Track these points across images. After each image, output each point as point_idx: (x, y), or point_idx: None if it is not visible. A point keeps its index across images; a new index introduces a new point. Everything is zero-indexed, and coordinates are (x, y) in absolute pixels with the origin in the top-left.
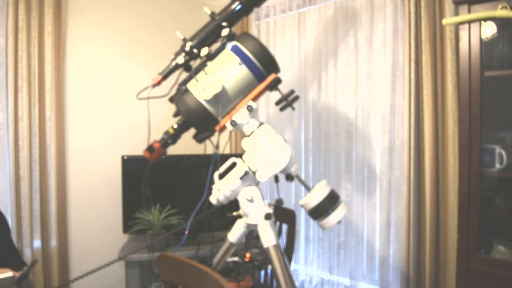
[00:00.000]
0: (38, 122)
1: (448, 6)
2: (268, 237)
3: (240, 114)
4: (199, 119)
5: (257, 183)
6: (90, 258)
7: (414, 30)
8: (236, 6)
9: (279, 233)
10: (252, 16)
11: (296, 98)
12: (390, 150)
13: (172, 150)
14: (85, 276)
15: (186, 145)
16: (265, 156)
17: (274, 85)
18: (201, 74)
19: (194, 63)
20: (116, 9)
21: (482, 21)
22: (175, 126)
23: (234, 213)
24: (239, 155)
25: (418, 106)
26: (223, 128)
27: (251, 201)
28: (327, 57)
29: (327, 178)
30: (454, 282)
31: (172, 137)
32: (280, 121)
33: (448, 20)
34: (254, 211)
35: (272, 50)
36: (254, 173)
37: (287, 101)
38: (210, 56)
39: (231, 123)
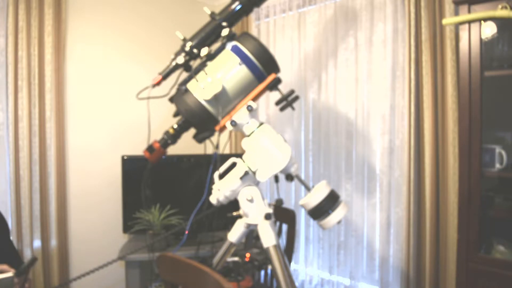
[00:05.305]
0: (38, 122)
1: (448, 6)
2: (268, 237)
3: (240, 114)
4: (199, 119)
5: (257, 183)
6: (90, 258)
7: (414, 30)
8: (236, 6)
9: (279, 233)
10: (252, 16)
11: (296, 98)
12: (390, 150)
13: (172, 150)
14: (85, 276)
15: (186, 145)
16: (265, 156)
17: (274, 85)
18: (201, 74)
19: (194, 63)
20: (116, 9)
21: (482, 21)
22: (175, 126)
23: (234, 213)
24: (239, 155)
25: (418, 106)
26: (223, 128)
27: (251, 201)
28: (327, 57)
29: (327, 178)
30: (454, 282)
31: (172, 137)
32: (280, 121)
33: (448, 20)
34: (254, 211)
35: (272, 50)
36: (254, 173)
37: (287, 101)
38: (210, 56)
39: (231, 123)
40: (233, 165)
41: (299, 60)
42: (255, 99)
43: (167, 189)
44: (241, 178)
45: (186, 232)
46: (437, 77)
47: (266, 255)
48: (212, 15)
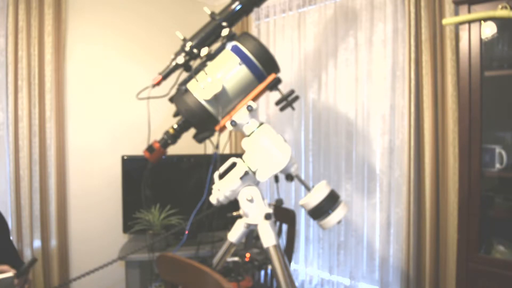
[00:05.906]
0: (38, 122)
1: (448, 6)
2: (268, 237)
3: (240, 114)
4: (199, 119)
5: (257, 183)
6: (90, 258)
7: (414, 30)
8: (236, 6)
9: (279, 233)
10: (252, 16)
11: (296, 98)
12: (390, 150)
13: (172, 150)
14: (85, 276)
15: (186, 145)
16: (265, 156)
17: (274, 85)
18: (201, 74)
19: (194, 63)
20: (116, 9)
21: (482, 21)
22: (175, 126)
23: (234, 213)
24: (239, 155)
25: (418, 106)
26: (223, 128)
27: (251, 201)
28: (327, 57)
29: (327, 178)
30: (454, 282)
31: (172, 137)
32: (280, 121)
33: (448, 20)
34: (254, 211)
35: (272, 50)
36: (254, 173)
37: (287, 101)
38: (210, 56)
39: (231, 123)
40: (233, 165)
41: (299, 60)
42: (255, 99)
43: (167, 189)
44: (241, 178)
45: (186, 232)
46: (437, 77)
47: (266, 255)
48: (212, 15)
